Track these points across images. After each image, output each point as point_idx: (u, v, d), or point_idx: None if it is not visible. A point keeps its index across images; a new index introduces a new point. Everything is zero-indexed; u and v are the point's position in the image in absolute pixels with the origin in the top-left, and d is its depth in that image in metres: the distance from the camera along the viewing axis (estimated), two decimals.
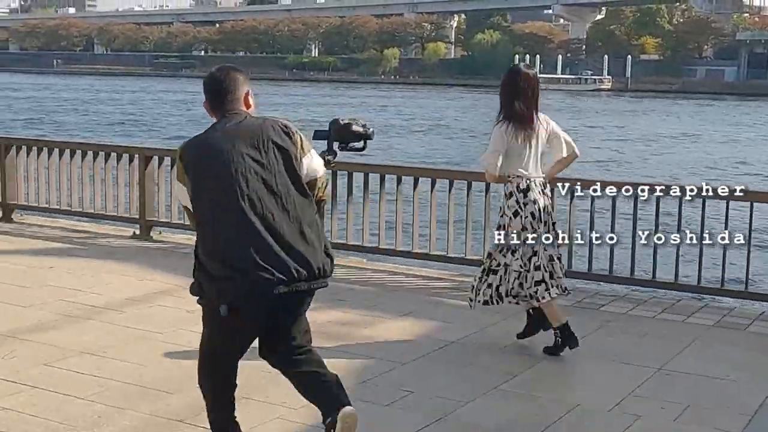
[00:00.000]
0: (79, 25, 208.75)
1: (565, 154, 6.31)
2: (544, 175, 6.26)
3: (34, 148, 11.54)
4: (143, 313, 7.41)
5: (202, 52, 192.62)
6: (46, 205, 11.58)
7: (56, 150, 11.37)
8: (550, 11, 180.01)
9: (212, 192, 4.00)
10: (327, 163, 4.56)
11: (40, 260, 9.35)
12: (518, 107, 6.05)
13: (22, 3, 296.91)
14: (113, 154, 11.14)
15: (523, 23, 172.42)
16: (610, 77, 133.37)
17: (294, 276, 3.93)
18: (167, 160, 10.49)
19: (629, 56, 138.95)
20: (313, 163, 4.18)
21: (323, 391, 4.12)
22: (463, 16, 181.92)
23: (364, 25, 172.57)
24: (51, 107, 67.97)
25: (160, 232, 10.96)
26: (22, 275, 8.60)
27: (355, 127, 4.93)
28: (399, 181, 9.43)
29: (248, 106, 4.29)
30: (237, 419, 4.36)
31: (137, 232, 10.88)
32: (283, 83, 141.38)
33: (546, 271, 6.18)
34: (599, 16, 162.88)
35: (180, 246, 10.22)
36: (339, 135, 4.91)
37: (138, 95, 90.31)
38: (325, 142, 4.96)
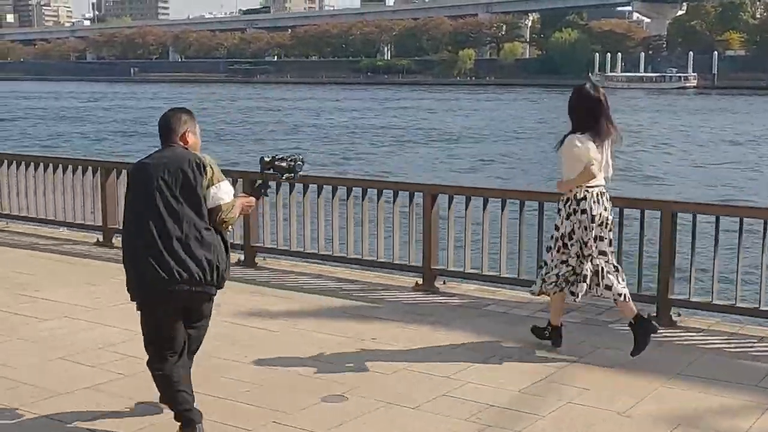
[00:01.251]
0: (154, 33, 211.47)
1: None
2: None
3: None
4: None
5: (275, 58, 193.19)
6: None
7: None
8: (629, 8, 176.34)
9: (132, 203, 5.01)
10: (260, 194, 5.60)
11: None
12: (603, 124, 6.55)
13: (97, 13, 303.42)
14: None
15: (598, 21, 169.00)
16: (695, 74, 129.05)
17: (176, 278, 4.79)
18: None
19: (715, 52, 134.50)
20: (219, 192, 4.97)
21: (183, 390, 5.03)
22: (537, 15, 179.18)
23: (437, 27, 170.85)
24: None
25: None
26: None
27: (278, 163, 5.63)
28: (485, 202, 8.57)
29: (186, 141, 5.10)
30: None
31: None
32: (357, 87, 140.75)
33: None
34: (679, 12, 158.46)
35: None
36: (266, 169, 5.63)
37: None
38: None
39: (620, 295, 6.54)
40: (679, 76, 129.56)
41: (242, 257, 9.73)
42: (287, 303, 8.19)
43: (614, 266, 6.63)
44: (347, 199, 9.13)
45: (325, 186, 9.32)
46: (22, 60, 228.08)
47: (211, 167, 4.94)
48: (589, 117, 6.48)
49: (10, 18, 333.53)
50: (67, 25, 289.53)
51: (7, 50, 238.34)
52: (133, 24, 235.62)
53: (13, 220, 11.96)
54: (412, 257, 8.87)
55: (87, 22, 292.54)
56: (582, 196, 6.44)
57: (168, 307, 4.94)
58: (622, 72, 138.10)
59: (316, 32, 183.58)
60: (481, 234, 8.42)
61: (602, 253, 6.54)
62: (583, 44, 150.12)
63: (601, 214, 6.47)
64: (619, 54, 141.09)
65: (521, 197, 8.48)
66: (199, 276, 4.84)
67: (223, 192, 4.97)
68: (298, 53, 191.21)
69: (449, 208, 8.63)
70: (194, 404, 5.03)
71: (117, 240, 10.34)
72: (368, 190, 9.16)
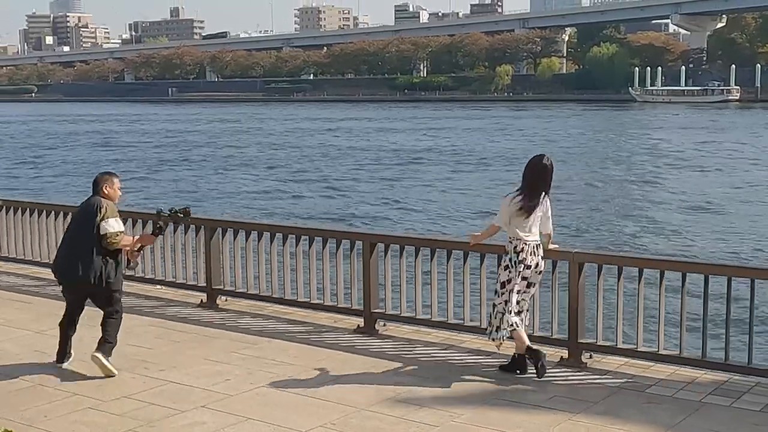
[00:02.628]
0: (192, 53, 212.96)
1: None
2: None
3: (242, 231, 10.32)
4: None
5: (312, 76, 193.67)
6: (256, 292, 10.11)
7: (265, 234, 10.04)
8: (667, 21, 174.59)
9: (68, 227, 8.24)
10: (157, 234, 8.04)
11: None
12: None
13: (134, 34, 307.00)
14: (331, 240, 9.53)
15: (636, 34, 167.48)
16: (738, 87, 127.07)
17: (66, 275, 7.69)
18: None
19: (758, 65, 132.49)
20: (107, 225, 7.50)
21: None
22: (574, 29, 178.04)
23: (474, 43, 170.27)
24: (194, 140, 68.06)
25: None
26: None
27: (170, 213, 7.89)
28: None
29: (104, 194, 7.70)
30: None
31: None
32: (394, 104, 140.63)
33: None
34: (719, 25, 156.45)
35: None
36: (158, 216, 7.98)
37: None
38: None
39: (517, 324, 7.46)
40: (722, 90, 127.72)
41: (205, 298, 10.21)
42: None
43: (528, 304, 7.63)
44: (296, 246, 9.57)
45: (276, 234, 9.86)
46: (62, 81, 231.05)
47: (105, 209, 7.53)
48: (527, 182, 7.42)
49: (49, 40, 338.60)
50: (106, 46, 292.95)
51: (47, 72, 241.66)
52: (170, 44, 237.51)
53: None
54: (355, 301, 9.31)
55: (120, 39, 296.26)
56: (521, 248, 7.41)
57: (72, 292, 7.81)
58: (662, 86, 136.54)
59: (352, 50, 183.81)
60: (414, 280, 8.74)
61: (530, 296, 7.63)
62: (622, 58, 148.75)
63: (537, 264, 7.46)
64: (659, 68, 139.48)
65: (447, 246, 8.73)
66: (80, 279, 7.51)
67: (109, 225, 7.50)
68: (334, 71, 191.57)
69: (385, 256, 8.95)
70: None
71: (222, 302, 10.22)
72: (314, 238, 9.58)
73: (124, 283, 8.04)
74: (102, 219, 7.48)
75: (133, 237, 8.38)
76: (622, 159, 48.08)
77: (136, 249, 7.92)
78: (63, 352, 7.78)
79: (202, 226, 10.12)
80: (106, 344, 7.51)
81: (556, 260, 8.04)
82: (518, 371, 7.52)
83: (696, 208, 29.33)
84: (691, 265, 7.99)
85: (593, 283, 7.92)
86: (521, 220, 7.36)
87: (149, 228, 9.42)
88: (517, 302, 7.47)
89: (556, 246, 8.03)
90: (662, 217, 27.47)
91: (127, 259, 7.99)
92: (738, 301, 7.68)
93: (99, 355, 7.44)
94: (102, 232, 7.44)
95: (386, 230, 21.83)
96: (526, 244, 7.39)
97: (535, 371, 7.36)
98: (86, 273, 7.43)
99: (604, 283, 7.87)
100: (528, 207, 7.33)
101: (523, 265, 7.40)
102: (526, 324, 7.67)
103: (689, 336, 7.75)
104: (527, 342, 7.46)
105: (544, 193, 7.42)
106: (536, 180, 7.39)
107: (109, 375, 7.46)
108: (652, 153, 50.53)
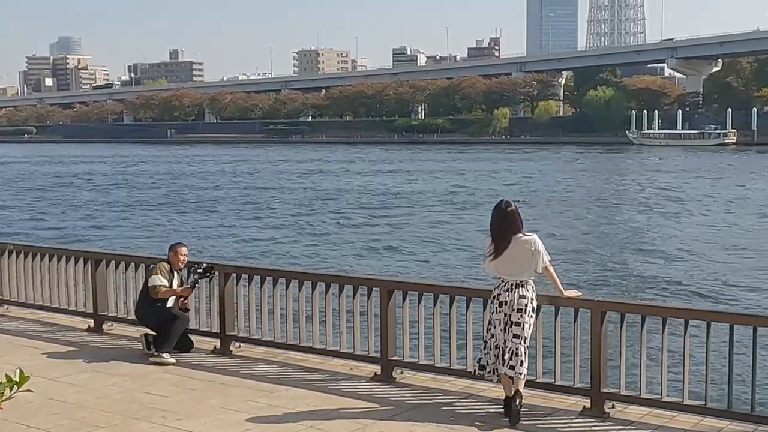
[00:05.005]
0: (191, 95, 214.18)
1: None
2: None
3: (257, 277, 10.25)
4: None
5: (310, 118, 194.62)
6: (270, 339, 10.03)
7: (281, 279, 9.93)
8: (663, 65, 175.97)
9: None
10: (192, 287, 9.87)
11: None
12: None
13: (133, 75, 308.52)
14: (347, 287, 9.40)
15: (630, 77, 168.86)
16: (734, 131, 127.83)
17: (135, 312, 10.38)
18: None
19: (754, 109, 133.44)
20: (151, 280, 9.77)
21: None
22: (570, 73, 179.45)
23: (471, 86, 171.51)
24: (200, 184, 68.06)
25: None
26: None
27: (198, 270, 9.71)
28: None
29: (169, 258, 9.92)
30: None
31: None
32: (392, 146, 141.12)
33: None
34: (715, 69, 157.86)
35: None
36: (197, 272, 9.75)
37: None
38: None
39: (520, 374, 7.50)
40: (718, 133, 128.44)
41: (218, 344, 10.11)
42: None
43: (525, 350, 7.50)
44: (312, 292, 9.54)
45: (292, 280, 9.70)
46: (60, 123, 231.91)
47: (156, 268, 9.72)
48: (492, 226, 7.80)
49: (48, 82, 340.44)
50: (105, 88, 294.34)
51: (46, 113, 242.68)
52: (170, 86, 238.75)
53: (120, 322, 11.20)
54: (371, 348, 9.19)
55: (119, 81, 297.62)
56: (496, 285, 7.73)
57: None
58: (659, 129, 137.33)
59: (351, 92, 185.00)
60: (432, 327, 8.69)
61: (516, 336, 7.51)
62: (618, 102, 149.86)
63: (514, 301, 7.55)
64: (656, 111, 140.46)
65: (466, 294, 8.73)
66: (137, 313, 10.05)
67: (152, 280, 9.65)
68: (332, 113, 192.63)
69: (403, 302, 8.89)
70: None
71: (235, 348, 10.08)
72: (331, 284, 9.45)
73: None
74: (150, 275, 9.79)
75: (171, 289, 9.83)
76: (622, 201, 48.12)
77: (182, 298, 9.89)
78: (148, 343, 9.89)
79: (216, 272, 10.06)
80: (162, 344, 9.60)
81: (578, 308, 7.95)
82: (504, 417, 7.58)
83: (709, 252, 29.28)
84: (715, 314, 7.91)
85: (615, 330, 7.83)
86: (495, 261, 7.70)
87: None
88: (496, 345, 7.57)
89: (578, 293, 7.96)
90: (671, 261, 27.38)
91: (178, 305, 9.85)
92: (764, 350, 7.59)
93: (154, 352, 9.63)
94: (149, 285, 9.74)
95: (405, 276, 21.63)
96: (501, 281, 7.70)
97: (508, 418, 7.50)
98: (139, 311, 10.04)
99: (627, 331, 7.77)
100: (497, 249, 7.66)
101: (497, 301, 7.63)
102: (527, 368, 7.58)
103: (714, 386, 7.63)
104: (508, 390, 7.57)
105: (513, 235, 7.65)
106: (498, 225, 7.72)
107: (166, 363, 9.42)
108: (653, 195, 50.59)
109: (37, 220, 41.40)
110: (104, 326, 11.16)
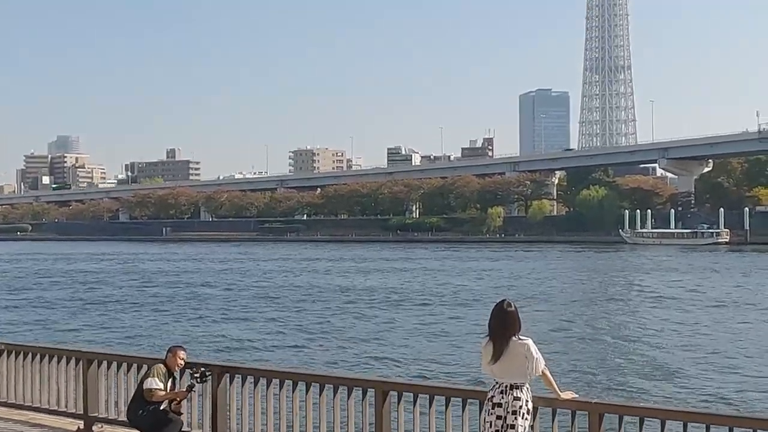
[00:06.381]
0: (187, 193, 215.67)
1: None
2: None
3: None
4: None
5: (305, 216, 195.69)
6: None
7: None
8: (654, 164, 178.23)
9: None
10: (188, 392, 9.77)
11: None
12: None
13: (130, 174, 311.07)
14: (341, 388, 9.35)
15: (623, 177, 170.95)
16: (727, 230, 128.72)
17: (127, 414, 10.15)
18: None
19: (746, 208, 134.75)
20: (146, 383, 9.69)
21: None
22: (563, 172, 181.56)
23: (465, 185, 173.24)
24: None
25: None
26: None
27: (195, 375, 9.71)
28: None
29: (166, 360, 9.82)
30: None
31: None
32: (387, 245, 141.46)
33: None
34: (706, 169, 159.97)
35: None
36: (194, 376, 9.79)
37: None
38: None
39: None
40: (711, 233, 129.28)
41: None
42: None
43: None
44: (306, 393, 9.42)
45: (286, 380, 9.69)
46: (56, 220, 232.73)
47: (152, 370, 9.68)
48: (491, 328, 7.78)
49: (45, 180, 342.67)
50: (101, 186, 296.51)
51: (42, 211, 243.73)
52: (166, 185, 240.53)
53: (111, 424, 10.98)
54: None
55: (116, 179, 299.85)
56: (491, 386, 7.74)
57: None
58: (652, 228, 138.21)
59: (346, 191, 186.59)
60: (428, 429, 8.58)
61: None
62: (611, 201, 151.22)
63: (509, 403, 7.54)
64: (649, 210, 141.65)
65: (462, 395, 8.65)
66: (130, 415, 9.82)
67: (147, 383, 9.58)
68: (327, 212, 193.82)
69: (398, 404, 8.81)
70: None
71: None
72: (325, 384, 9.44)
73: None
74: (146, 377, 9.75)
75: (168, 392, 9.77)
76: (617, 301, 48.03)
77: (176, 401, 9.76)
78: None
79: (208, 372, 9.97)
80: None
81: (575, 410, 7.89)
82: None
83: (706, 352, 29.06)
84: (715, 417, 7.84)
85: None
86: (492, 364, 7.70)
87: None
88: None
89: (575, 396, 7.90)
90: (670, 361, 27.18)
91: (171, 408, 9.75)
92: None
93: None
94: (144, 387, 9.66)
95: (400, 378, 21.40)
96: (497, 383, 7.71)
97: None
98: (131, 413, 9.82)
99: None
100: (495, 352, 7.66)
101: (491, 403, 7.64)
102: None
103: None
104: None
105: (511, 337, 7.66)
106: (498, 325, 7.72)
107: None
108: (649, 295, 50.52)
109: (26, 319, 41.07)
110: (94, 428, 10.94)
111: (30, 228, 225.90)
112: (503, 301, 7.88)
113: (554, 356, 25.37)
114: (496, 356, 7.64)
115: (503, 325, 7.68)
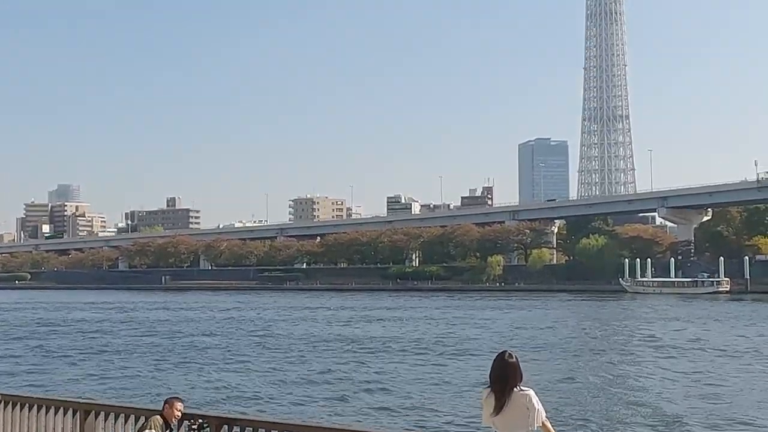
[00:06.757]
0: (187, 242, 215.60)
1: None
2: None
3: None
4: None
5: (305, 265, 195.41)
6: None
7: None
8: (654, 213, 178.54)
9: None
10: None
11: None
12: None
13: (130, 222, 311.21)
14: None
15: (622, 226, 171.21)
16: (727, 279, 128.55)
17: None
18: None
19: (746, 257, 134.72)
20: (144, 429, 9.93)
21: None
22: (563, 221, 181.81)
23: (465, 234, 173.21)
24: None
25: None
26: None
27: (193, 427, 9.62)
28: None
29: (163, 412, 9.75)
30: None
31: None
32: (386, 293, 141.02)
33: None
34: (705, 218, 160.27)
35: None
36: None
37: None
38: None
39: None
40: (712, 281, 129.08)
41: None
42: None
43: None
44: None
45: None
46: (55, 269, 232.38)
47: (149, 422, 9.60)
48: (492, 379, 7.80)
49: (45, 228, 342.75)
50: (101, 234, 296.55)
51: (42, 259, 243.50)
52: (166, 233, 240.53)
53: None
54: None
55: (116, 228, 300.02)
56: None
57: None
58: (652, 277, 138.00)
59: (345, 240, 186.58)
60: None
61: None
62: (611, 250, 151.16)
63: None
64: (648, 259, 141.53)
65: None
66: None
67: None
68: (327, 260, 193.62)
69: None
70: None
71: None
72: None
73: None
74: (143, 429, 9.76)
75: None
76: (619, 350, 47.77)
77: None
78: None
79: (206, 424, 9.86)
80: None
81: None
82: None
83: (709, 401, 28.81)
84: None
85: None
86: (494, 416, 7.70)
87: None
88: None
89: None
90: (673, 410, 26.95)
91: None
92: None
93: None
94: None
95: (400, 428, 21.19)
96: None
97: None
98: None
99: None
100: (497, 404, 7.66)
101: None
102: None
103: None
104: None
105: (513, 388, 7.66)
106: (499, 375, 7.73)
107: None
108: (652, 344, 50.25)
109: (24, 368, 40.79)
110: None
111: (29, 276, 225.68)
112: (504, 352, 7.86)
113: (556, 406, 25.18)
114: (498, 408, 7.61)
115: (504, 377, 7.68)
